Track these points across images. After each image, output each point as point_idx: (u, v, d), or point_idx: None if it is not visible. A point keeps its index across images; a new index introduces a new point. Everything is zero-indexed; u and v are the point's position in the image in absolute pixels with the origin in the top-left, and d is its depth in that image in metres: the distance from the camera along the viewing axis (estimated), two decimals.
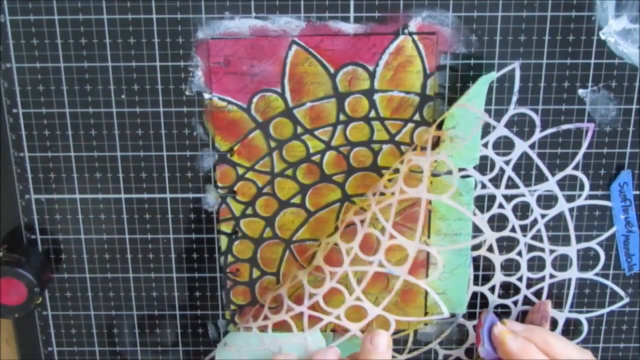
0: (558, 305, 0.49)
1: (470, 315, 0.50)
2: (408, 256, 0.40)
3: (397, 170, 0.44)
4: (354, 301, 0.42)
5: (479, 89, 0.43)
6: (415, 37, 0.44)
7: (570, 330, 0.50)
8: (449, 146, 0.44)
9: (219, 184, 0.47)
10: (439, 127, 0.44)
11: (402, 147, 0.46)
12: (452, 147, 0.43)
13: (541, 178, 0.46)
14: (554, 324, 0.49)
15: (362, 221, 0.42)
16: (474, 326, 0.50)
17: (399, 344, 0.50)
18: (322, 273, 0.43)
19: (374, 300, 0.48)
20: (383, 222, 0.40)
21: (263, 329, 0.45)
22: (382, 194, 0.43)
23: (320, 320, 0.43)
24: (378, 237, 0.41)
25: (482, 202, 0.47)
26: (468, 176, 0.46)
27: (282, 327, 0.45)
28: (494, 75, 0.43)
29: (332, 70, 0.45)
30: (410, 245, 0.40)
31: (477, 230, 0.47)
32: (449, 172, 0.45)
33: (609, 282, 0.49)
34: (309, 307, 0.43)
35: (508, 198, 0.47)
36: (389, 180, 0.44)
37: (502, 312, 0.49)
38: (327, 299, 0.43)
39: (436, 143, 0.45)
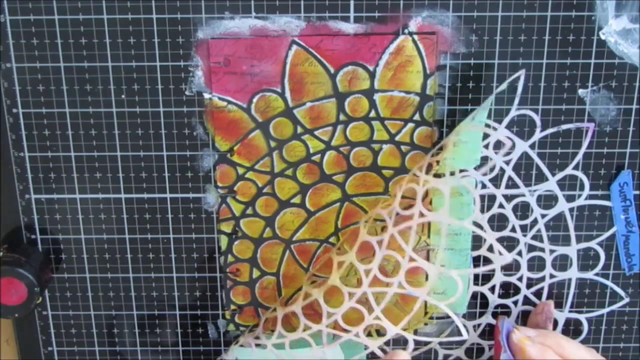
0: (558, 305, 0.49)
1: (470, 315, 0.50)
2: (428, 279, 0.40)
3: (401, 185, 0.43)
4: (374, 320, 0.43)
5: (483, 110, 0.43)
6: (415, 37, 0.44)
7: (570, 330, 0.50)
8: (451, 149, 0.44)
9: (219, 184, 0.47)
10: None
11: (402, 147, 0.46)
12: (455, 150, 0.43)
13: (541, 178, 0.46)
14: (554, 324, 0.49)
15: (380, 242, 0.42)
16: (470, 326, 0.50)
17: (398, 344, 0.50)
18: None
19: (374, 299, 0.47)
20: (404, 246, 0.40)
21: (280, 345, 0.44)
22: (397, 213, 0.43)
23: (340, 337, 0.43)
24: (398, 259, 0.41)
25: (482, 202, 0.47)
26: (468, 176, 0.46)
27: (297, 341, 0.44)
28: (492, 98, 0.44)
29: (332, 70, 0.45)
30: (430, 268, 0.40)
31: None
32: (452, 174, 0.45)
33: (609, 282, 0.49)
34: (327, 326, 0.43)
35: (508, 198, 0.47)
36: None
37: (502, 312, 0.49)
38: (344, 317, 0.43)
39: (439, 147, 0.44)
